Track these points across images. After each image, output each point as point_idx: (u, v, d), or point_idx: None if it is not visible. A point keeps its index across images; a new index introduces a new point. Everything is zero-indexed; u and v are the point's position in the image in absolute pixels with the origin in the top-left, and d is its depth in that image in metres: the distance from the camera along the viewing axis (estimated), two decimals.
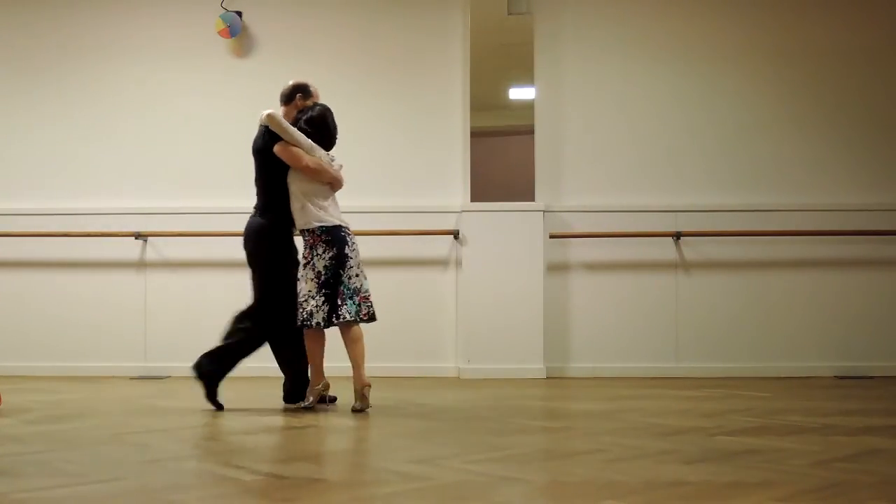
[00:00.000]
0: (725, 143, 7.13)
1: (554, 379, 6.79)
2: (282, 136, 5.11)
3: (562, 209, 7.04)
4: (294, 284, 5.12)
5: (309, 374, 5.22)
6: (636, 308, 7.02)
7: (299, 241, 5.26)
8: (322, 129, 5.21)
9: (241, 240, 7.39)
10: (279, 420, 4.88)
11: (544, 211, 6.94)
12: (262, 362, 6.99)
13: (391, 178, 7.16)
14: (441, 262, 7.09)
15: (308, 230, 5.08)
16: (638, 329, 7.01)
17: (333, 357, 5.32)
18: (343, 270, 5.02)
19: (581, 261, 7.05)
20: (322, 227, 5.05)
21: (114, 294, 7.20)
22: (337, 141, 5.31)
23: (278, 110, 5.32)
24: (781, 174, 7.10)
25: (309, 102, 5.33)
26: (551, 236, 6.97)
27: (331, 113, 5.28)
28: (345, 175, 5.31)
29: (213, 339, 7.10)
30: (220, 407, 5.25)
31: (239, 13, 7.24)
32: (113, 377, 6.96)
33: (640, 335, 7.00)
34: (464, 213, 6.96)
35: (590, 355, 7.00)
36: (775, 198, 7.05)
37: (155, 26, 7.35)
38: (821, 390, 6.15)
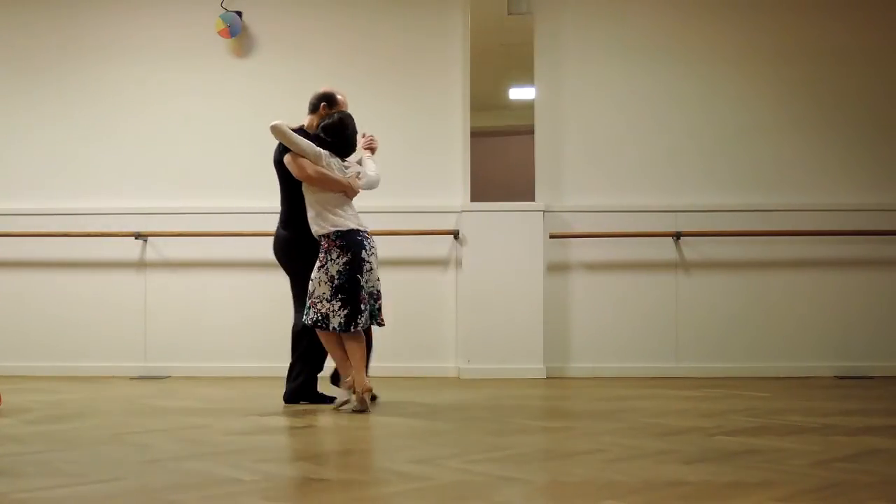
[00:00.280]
0: (725, 144, 7.13)
1: (554, 379, 6.79)
2: (288, 146, 5.09)
3: (562, 209, 7.04)
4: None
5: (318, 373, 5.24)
6: (636, 308, 7.02)
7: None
8: (337, 136, 5.15)
9: (241, 239, 7.43)
10: (279, 420, 4.88)
11: (544, 211, 6.94)
12: (263, 362, 7.02)
13: (391, 178, 7.13)
14: (441, 262, 7.09)
15: (323, 235, 5.04)
16: (638, 329, 7.01)
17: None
18: (361, 275, 4.99)
19: (581, 261, 7.05)
20: (337, 231, 5.01)
21: (114, 294, 7.20)
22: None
23: (305, 118, 5.35)
24: (781, 174, 7.10)
25: (334, 111, 5.28)
26: (551, 236, 6.97)
27: (349, 120, 5.21)
28: (370, 179, 5.29)
29: (213, 339, 7.14)
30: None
31: (239, 13, 7.24)
32: (113, 377, 6.96)
33: (640, 335, 7.00)
34: (464, 213, 6.96)
35: (590, 355, 7.00)
36: (775, 198, 7.05)
37: (155, 26, 7.35)
38: (821, 390, 6.15)
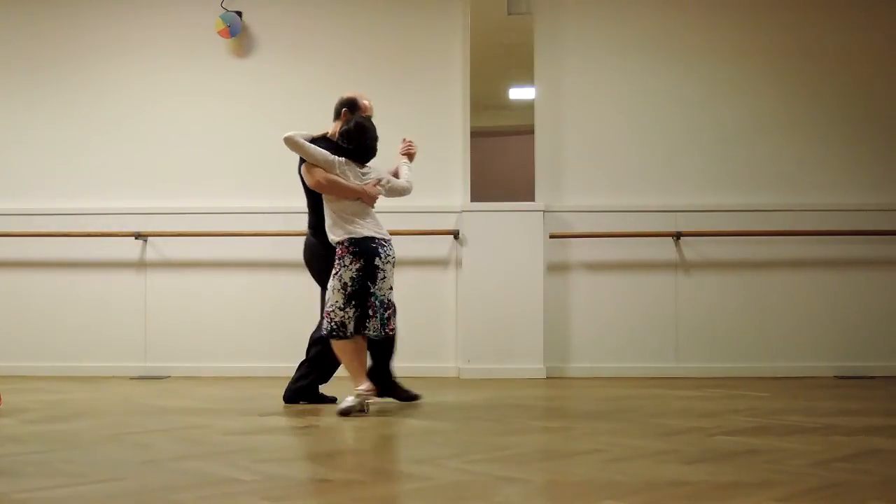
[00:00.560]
0: (725, 144, 7.13)
1: (554, 379, 6.79)
2: (301, 156, 5.08)
3: (562, 209, 7.04)
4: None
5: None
6: (636, 308, 7.02)
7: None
8: (354, 142, 5.08)
9: (241, 239, 7.46)
10: (279, 420, 4.88)
11: (544, 211, 6.94)
12: (263, 362, 7.02)
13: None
14: (441, 262, 7.09)
15: (338, 242, 5.00)
16: (638, 329, 7.01)
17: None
18: (373, 283, 4.94)
19: (581, 261, 7.05)
20: (351, 238, 4.97)
21: (114, 294, 7.20)
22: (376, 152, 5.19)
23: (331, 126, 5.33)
24: (781, 174, 7.10)
25: (353, 117, 5.23)
26: (551, 236, 6.97)
27: (368, 124, 5.14)
28: (396, 186, 5.25)
29: (213, 339, 7.14)
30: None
31: (239, 13, 7.24)
32: (113, 377, 6.96)
33: (640, 335, 7.00)
34: (464, 213, 6.96)
35: (590, 355, 7.00)
36: (775, 198, 7.05)
37: (155, 26, 7.35)
38: (821, 390, 6.15)
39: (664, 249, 7.03)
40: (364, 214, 5.06)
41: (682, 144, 7.14)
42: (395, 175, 5.36)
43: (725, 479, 3.28)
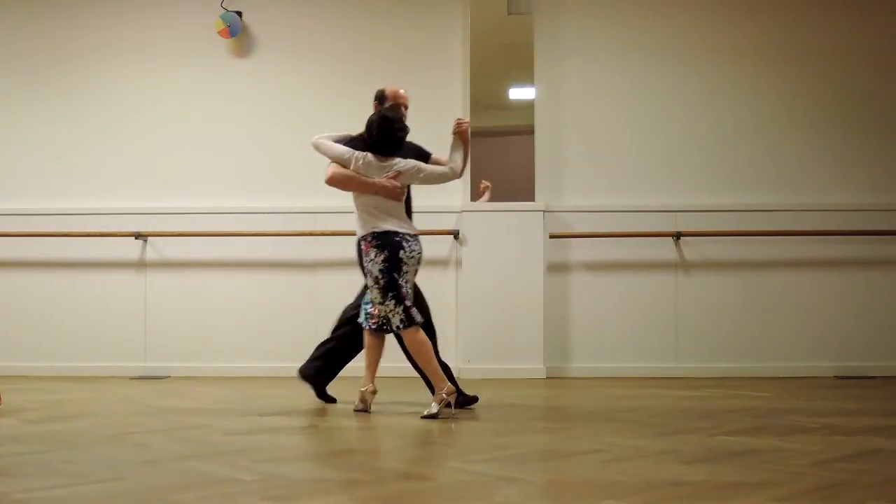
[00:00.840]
0: (725, 144, 7.13)
1: (554, 379, 6.79)
2: (323, 155, 5.08)
3: (562, 209, 7.04)
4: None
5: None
6: (636, 308, 7.02)
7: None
8: (373, 135, 5.01)
9: (241, 239, 7.47)
10: (279, 420, 4.88)
11: (544, 211, 6.94)
12: (263, 362, 7.02)
13: None
14: (441, 262, 7.09)
15: (362, 238, 5.00)
16: (638, 329, 7.00)
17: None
18: (398, 275, 4.93)
19: (581, 261, 7.05)
20: (373, 232, 4.95)
21: (114, 294, 7.20)
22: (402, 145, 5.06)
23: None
24: (781, 174, 7.10)
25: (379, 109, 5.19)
26: (551, 236, 6.96)
27: (389, 115, 5.03)
28: (430, 174, 5.12)
29: (213, 339, 7.14)
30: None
31: (239, 13, 7.24)
32: (113, 377, 6.96)
33: (641, 335, 7.00)
34: (464, 213, 6.96)
35: (590, 355, 7.00)
36: (775, 198, 7.05)
37: (155, 26, 7.35)
38: (821, 390, 6.15)
39: (664, 249, 7.03)
40: (388, 209, 4.99)
41: (682, 144, 7.14)
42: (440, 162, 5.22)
43: (725, 479, 3.28)
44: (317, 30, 7.31)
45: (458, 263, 7.01)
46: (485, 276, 6.89)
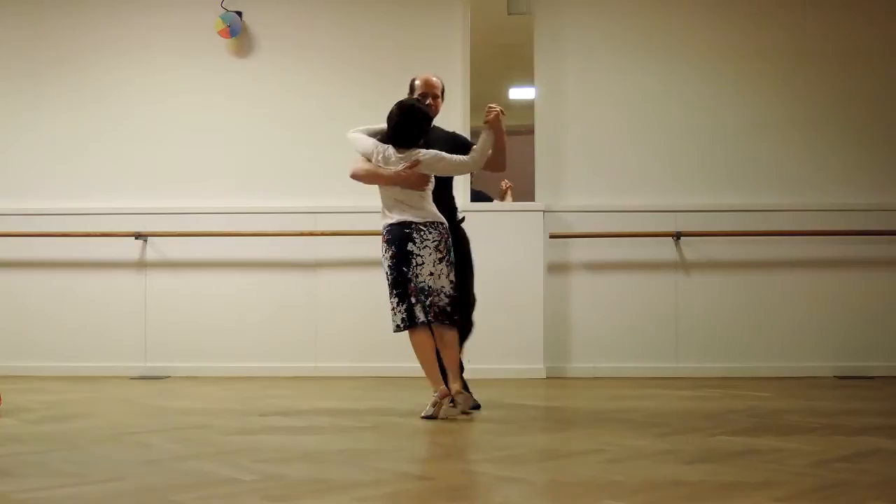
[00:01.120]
0: (725, 143, 7.12)
1: (554, 379, 6.79)
2: (356, 150, 5.05)
3: (562, 209, 7.04)
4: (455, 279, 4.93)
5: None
6: (636, 308, 7.02)
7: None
8: (391, 125, 4.97)
9: (241, 239, 7.46)
10: (279, 420, 4.88)
11: (544, 211, 6.94)
12: (263, 362, 7.02)
13: None
14: None
15: (382, 232, 4.98)
16: (638, 329, 7.00)
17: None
18: (408, 269, 4.83)
19: (581, 261, 7.05)
20: (386, 225, 4.91)
21: (114, 294, 7.20)
22: (422, 137, 4.96)
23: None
24: (781, 174, 7.10)
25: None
26: (551, 236, 6.96)
27: (406, 105, 4.96)
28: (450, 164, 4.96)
29: (213, 339, 7.13)
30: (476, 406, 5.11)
31: (239, 13, 7.24)
32: (113, 377, 6.96)
33: (640, 335, 6.99)
34: (463, 212, 6.94)
35: (590, 355, 7.00)
36: (775, 198, 7.05)
37: (155, 26, 7.35)
38: (821, 390, 6.15)
39: (664, 249, 7.03)
40: (408, 199, 4.89)
41: (682, 144, 7.14)
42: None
43: (725, 479, 3.28)
44: (317, 30, 7.31)
45: None
46: (485, 276, 6.86)
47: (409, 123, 4.93)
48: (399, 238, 4.86)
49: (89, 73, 7.37)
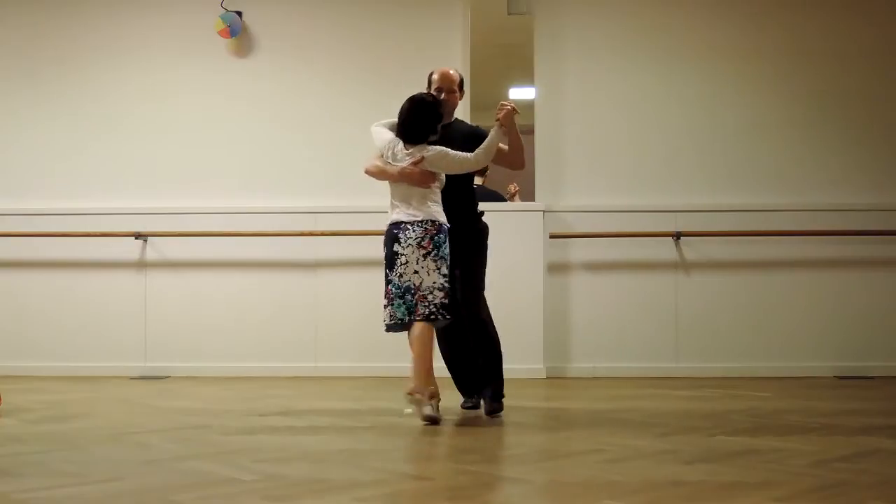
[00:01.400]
0: (725, 143, 7.12)
1: (554, 379, 6.79)
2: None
3: (562, 209, 7.04)
4: (451, 281, 4.85)
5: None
6: (636, 308, 7.02)
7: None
8: (400, 121, 4.91)
9: (241, 240, 7.45)
10: (279, 420, 4.88)
11: (544, 211, 6.94)
12: (263, 362, 7.02)
13: None
14: None
15: None
16: (638, 329, 7.00)
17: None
18: (391, 270, 4.78)
19: (581, 261, 7.05)
20: (387, 226, 4.90)
21: (114, 294, 7.20)
22: (429, 133, 4.87)
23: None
24: (781, 174, 7.10)
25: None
26: (551, 236, 6.97)
27: (415, 100, 4.87)
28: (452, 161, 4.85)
29: (213, 339, 7.13)
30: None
31: (239, 13, 7.24)
32: (113, 377, 6.96)
33: (640, 335, 6.99)
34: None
35: (590, 355, 7.00)
36: (775, 198, 7.05)
37: (155, 26, 7.35)
38: (821, 390, 6.15)
39: (664, 249, 7.03)
40: (410, 197, 4.82)
41: (681, 144, 7.14)
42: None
43: (725, 479, 3.29)
44: (317, 30, 7.31)
45: None
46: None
47: (417, 118, 4.84)
48: (389, 239, 4.86)
49: (89, 72, 7.37)
